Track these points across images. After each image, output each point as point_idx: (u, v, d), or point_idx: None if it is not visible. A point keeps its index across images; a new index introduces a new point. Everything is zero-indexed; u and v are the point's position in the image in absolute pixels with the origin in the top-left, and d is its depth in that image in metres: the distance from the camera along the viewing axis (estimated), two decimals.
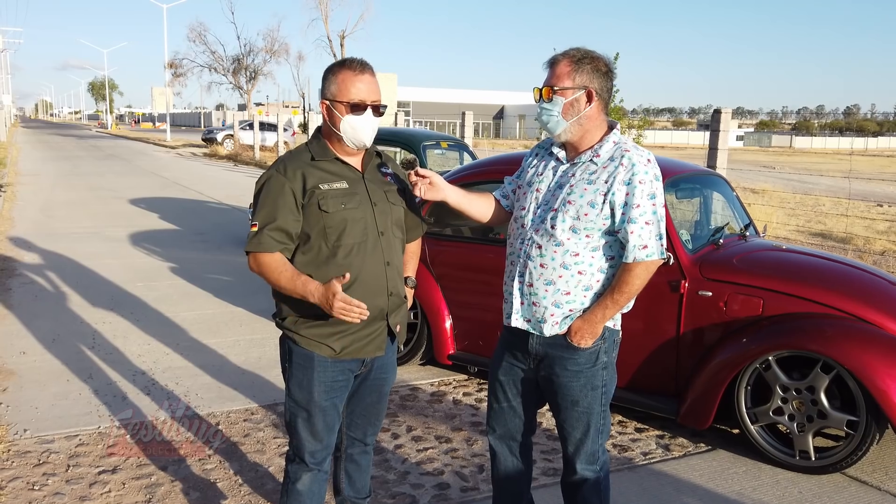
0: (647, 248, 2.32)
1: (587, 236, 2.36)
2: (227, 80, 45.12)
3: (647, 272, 2.35)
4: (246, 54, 43.87)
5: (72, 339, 5.25)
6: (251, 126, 28.47)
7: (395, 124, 17.22)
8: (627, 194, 2.32)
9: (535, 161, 2.58)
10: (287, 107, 46.47)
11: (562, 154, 2.47)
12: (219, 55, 44.44)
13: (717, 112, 7.36)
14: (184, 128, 54.00)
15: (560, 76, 2.39)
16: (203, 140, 33.74)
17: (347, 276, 2.23)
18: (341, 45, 38.45)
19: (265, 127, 30.35)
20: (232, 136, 31.17)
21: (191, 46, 50.59)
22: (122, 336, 5.36)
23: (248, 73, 44.41)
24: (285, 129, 25.26)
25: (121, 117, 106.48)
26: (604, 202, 2.33)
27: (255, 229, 2.28)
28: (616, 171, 2.34)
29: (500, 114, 75.12)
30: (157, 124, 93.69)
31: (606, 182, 2.33)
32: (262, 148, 28.12)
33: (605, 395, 2.46)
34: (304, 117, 31.25)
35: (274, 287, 2.32)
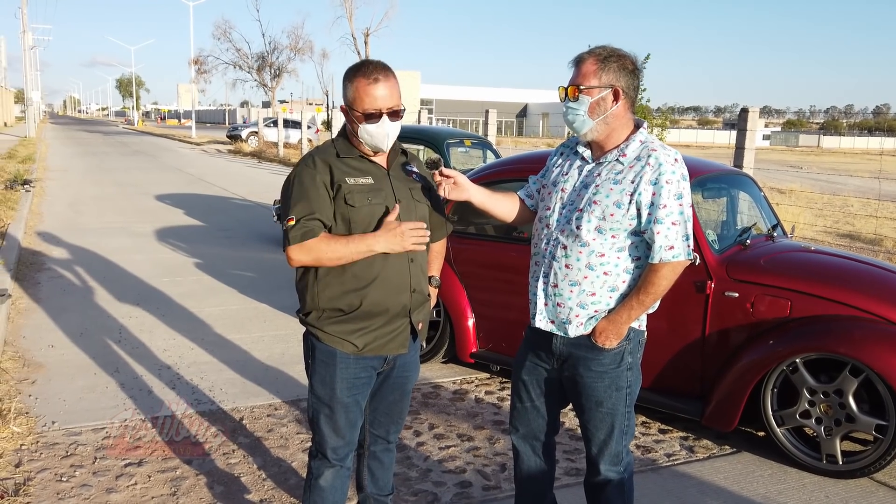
0: (673, 248, 2.29)
1: (613, 237, 2.34)
2: (251, 77, 45.41)
3: (674, 273, 2.32)
4: (270, 52, 44.08)
5: (99, 333, 5.32)
6: (275, 123, 28.59)
7: (419, 122, 17.24)
8: (654, 194, 2.29)
9: (560, 160, 2.57)
10: (311, 104, 46.66)
11: (587, 153, 2.45)
12: (244, 52, 44.68)
13: (745, 111, 7.26)
14: (209, 125, 54.29)
15: (586, 75, 2.36)
16: (228, 137, 33.93)
17: (397, 207, 2.32)
18: (366, 43, 38.64)
19: (289, 124, 30.47)
20: (256, 132, 31.32)
21: (216, 44, 51.92)
22: (148, 331, 5.42)
23: (272, 71, 44.56)
24: (309, 127, 25.32)
25: (147, 114, 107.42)
26: (630, 202, 2.30)
27: (293, 223, 2.27)
28: (643, 170, 2.31)
29: (523, 112, 74.72)
30: (183, 121, 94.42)
31: (633, 182, 2.31)
32: (286, 145, 28.20)
33: (629, 395, 2.44)
34: (328, 115, 31.31)
35: (335, 262, 2.29)
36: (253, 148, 27.97)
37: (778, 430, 3.55)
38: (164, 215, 11.17)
